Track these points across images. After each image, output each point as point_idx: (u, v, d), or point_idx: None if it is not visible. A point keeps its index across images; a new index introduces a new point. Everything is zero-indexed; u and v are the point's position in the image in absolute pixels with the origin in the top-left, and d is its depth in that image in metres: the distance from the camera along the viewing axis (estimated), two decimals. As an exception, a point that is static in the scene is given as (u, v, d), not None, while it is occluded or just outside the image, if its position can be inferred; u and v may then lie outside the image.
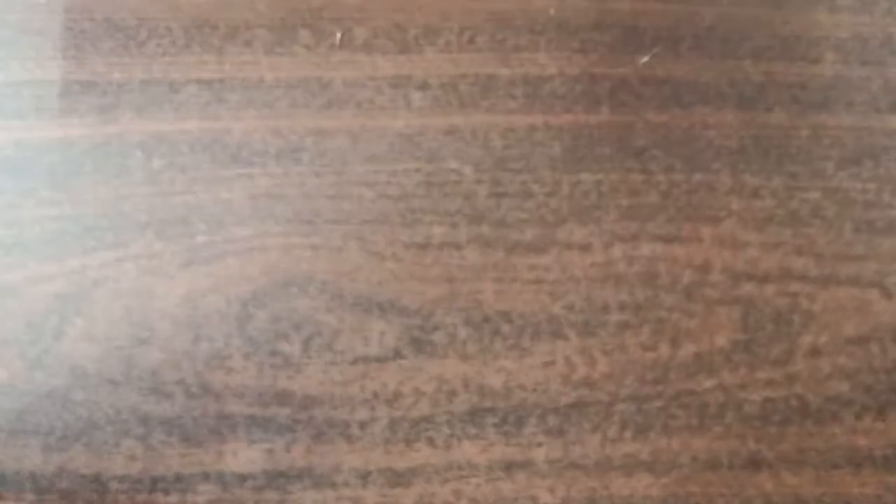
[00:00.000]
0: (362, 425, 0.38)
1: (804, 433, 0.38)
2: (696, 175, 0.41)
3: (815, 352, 0.39)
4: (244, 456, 0.37)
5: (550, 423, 0.38)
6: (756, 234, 0.40)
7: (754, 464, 0.38)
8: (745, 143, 0.41)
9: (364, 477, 0.37)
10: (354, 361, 0.38)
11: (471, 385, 0.38)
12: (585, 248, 0.40)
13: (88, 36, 0.40)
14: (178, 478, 0.37)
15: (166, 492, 0.37)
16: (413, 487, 0.37)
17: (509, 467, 0.38)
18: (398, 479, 0.37)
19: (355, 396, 0.38)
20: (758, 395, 0.38)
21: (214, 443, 0.37)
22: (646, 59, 0.42)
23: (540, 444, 0.38)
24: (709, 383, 0.39)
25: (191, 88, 0.40)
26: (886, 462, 0.38)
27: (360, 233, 0.39)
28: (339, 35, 0.41)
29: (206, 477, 0.37)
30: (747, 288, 0.39)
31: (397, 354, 0.38)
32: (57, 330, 0.37)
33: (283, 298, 0.38)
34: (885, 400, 0.39)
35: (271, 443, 0.37)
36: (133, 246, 0.38)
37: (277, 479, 0.37)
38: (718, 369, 0.39)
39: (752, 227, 0.40)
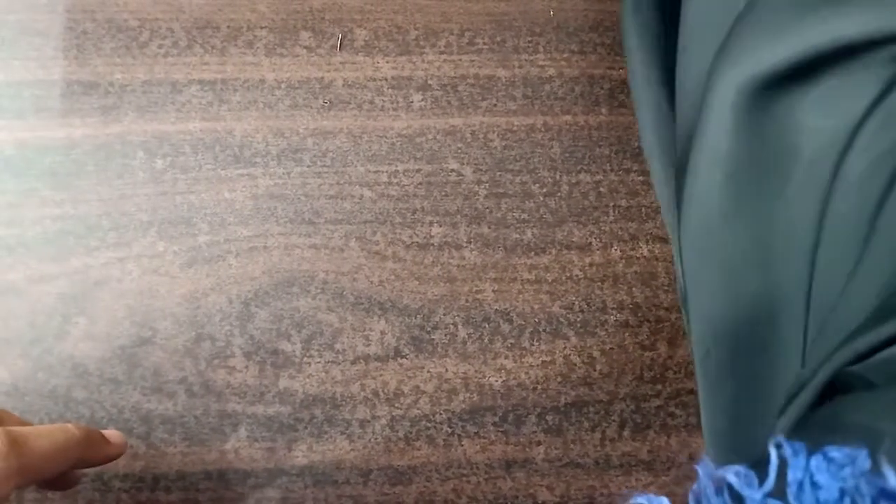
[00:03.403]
0: (363, 424, 0.38)
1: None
2: (694, 176, 0.41)
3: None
4: (246, 454, 0.37)
5: (550, 422, 0.38)
6: (753, 234, 0.40)
7: (752, 462, 0.38)
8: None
9: (365, 475, 0.37)
10: (355, 360, 0.38)
11: (471, 384, 0.38)
12: (584, 248, 0.40)
13: (90, 36, 0.40)
14: (181, 476, 0.37)
15: (168, 490, 0.37)
16: (413, 485, 0.38)
17: (509, 466, 0.38)
18: (399, 477, 0.38)
19: (356, 395, 0.38)
20: (755, 393, 0.39)
21: (216, 441, 0.37)
22: (644, 60, 0.42)
23: (539, 443, 0.38)
24: (707, 382, 0.39)
25: (193, 89, 0.40)
26: None
27: (360, 233, 0.39)
28: (339, 37, 0.41)
29: (208, 475, 0.37)
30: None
31: (398, 353, 0.38)
32: (59, 329, 0.38)
33: (284, 298, 0.38)
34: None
35: (273, 441, 0.37)
36: (135, 246, 0.38)
37: (279, 477, 0.37)
38: (716, 368, 0.39)
39: (750, 227, 0.40)
